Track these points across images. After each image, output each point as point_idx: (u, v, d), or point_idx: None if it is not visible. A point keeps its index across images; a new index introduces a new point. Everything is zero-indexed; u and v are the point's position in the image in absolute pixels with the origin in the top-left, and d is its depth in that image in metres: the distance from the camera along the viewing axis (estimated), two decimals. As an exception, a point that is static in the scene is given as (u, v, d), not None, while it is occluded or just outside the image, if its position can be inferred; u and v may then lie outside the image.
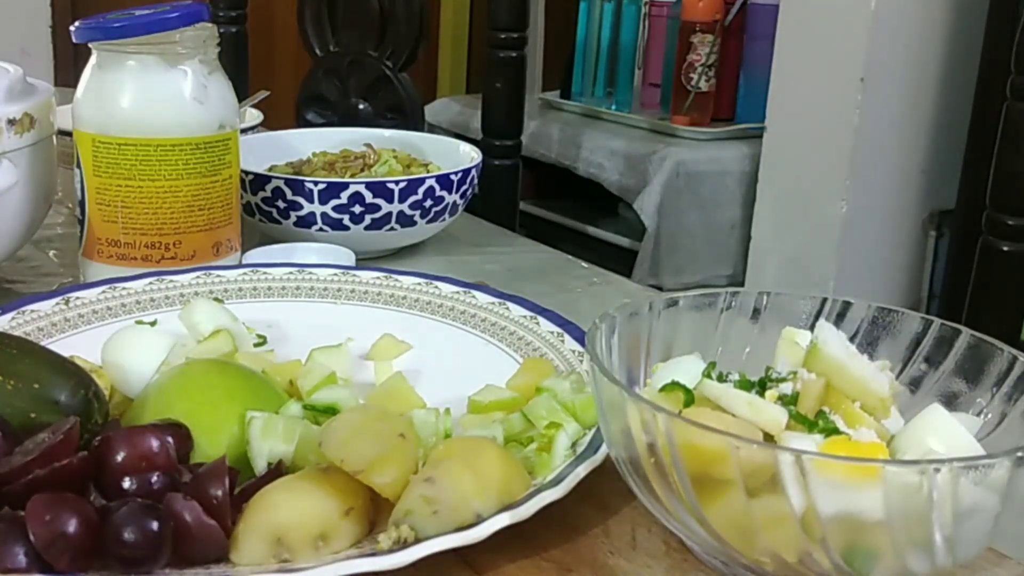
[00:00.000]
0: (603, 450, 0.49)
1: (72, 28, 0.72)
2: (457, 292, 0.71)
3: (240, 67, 1.65)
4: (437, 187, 0.87)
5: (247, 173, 0.85)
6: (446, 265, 0.88)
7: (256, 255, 0.80)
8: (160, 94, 0.72)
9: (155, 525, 0.41)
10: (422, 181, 0.86)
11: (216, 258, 0.76)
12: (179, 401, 0.51)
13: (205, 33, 0.73)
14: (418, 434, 0.50)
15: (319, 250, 0.82)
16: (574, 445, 0.51)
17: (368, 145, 0.97)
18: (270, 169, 0.94)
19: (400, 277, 0.73)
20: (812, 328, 0.50)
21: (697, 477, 0.41)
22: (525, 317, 0.67)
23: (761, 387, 0.47)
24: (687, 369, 0.49)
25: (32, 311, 0.66)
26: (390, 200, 0.85)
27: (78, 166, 0.74)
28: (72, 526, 0.41)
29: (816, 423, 0.45)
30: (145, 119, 0.71)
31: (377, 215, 0.85)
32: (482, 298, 0.70)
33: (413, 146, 1.01)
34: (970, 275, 1.22)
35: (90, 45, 0.73)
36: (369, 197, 0.84)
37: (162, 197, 0.72)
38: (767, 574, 0.43)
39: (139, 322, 0.64)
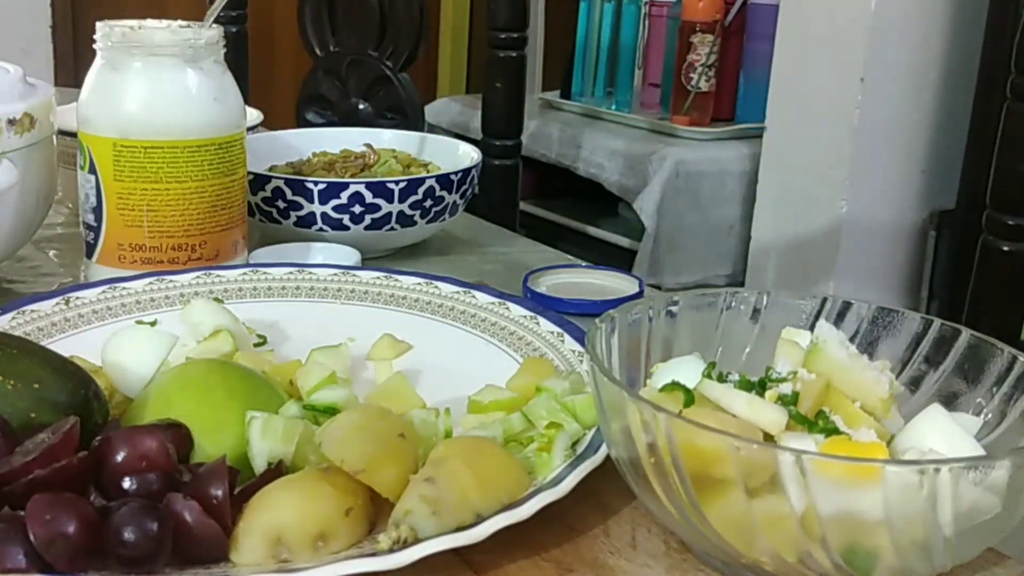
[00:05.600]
0: (603, 450, 0.49)
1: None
2: (457, 292, 0.71)
3: (240, 67, 1.66)
4: (437, 187, 0.87)
5: (247, 173, 0.85)
6: (446, 265, 0.88)
7: (262, 255, 0.81)
8: (184, 95, 0.72)
9: (155, 525, 0.41)
10: (422, 181, 0.86)
11: (235, 256, 0.77)
12: (179, 401, 0.51)
13: (218, 34, 0.74)
14: (418, 434, 0.50)
15: (324, 249, 0.83)
16: (574, 445, 0.51)
17: (368, 145, 0.97)
18: (270, 169, 0.94)
19: (400, 277, 0.73)
20: (812, 328, 0.50)
21: (697, 477, 0.41)
22: (525, 317, 0.67)
23: (761, 387, 0.47)
24: (687, 369, 0.49)
25: (32, 311, 0.66)
26: (390, 200, 0.85)
27: (92, 171, 0.73)
28: (72, 526, 0.41)
29: (816, 423, 0.45)
30: (173, 121, 0.72)
31: (377, 215, 0.85)
32: (482, 298, 0.70)
33: (413, 146, 1.01)
34: (970, 275, 1.22)
35: (95, 47, 0.73)
36: (369, 197, 0.84)
37: (188, 198, 0.73)
38: (767, 574, 0.43)
39: (139, 322, 0.64)
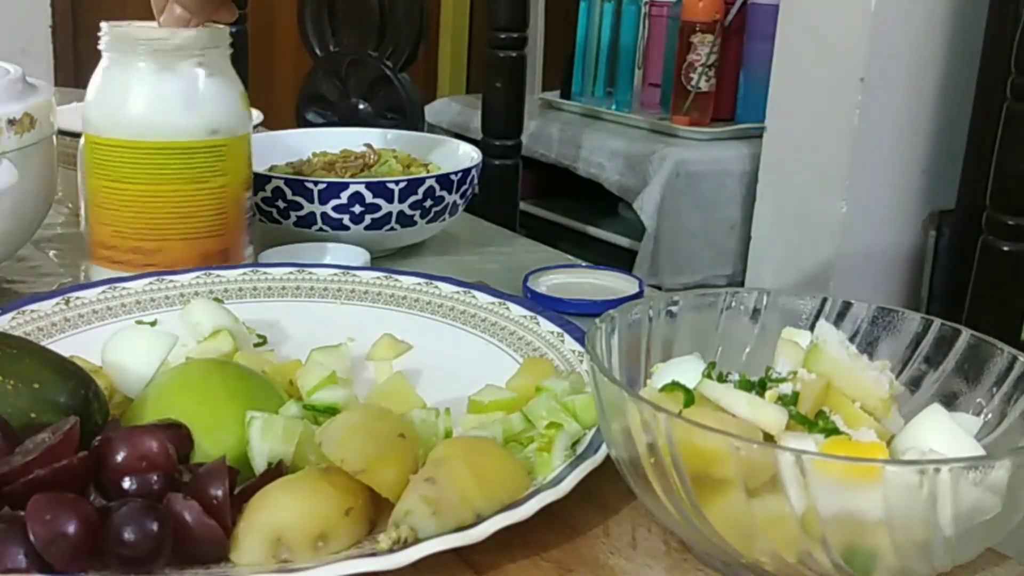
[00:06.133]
0: (603, 450, 0.49)
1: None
2: (457, 292, 0.71)
3: (240, 67, 1.65)
4: (437, 187, 0.87)
5: (247, 173, 0.85)
6: (446, 265, 0.88)
7: (271, 255, 0.81)
8: (148, 96, 0.71)
9: (155, 525, 0.41)
10: (422, 181, 0.86)
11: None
12: (179, 401, 0.51)
13: (204, 35, 0.73)
14: (418, 434, 0.50)
15: (335, 250, 0.83)
16: (574, 445, 0.51)
17: (368, 145, 0.97)
18: (270, 169, 0.94)
19: (400, 277, 0.73)
20: (812, 328, 0.50)
21: (697, 477, 0.41)
22: (525, 317, 0.67)
23: (761, 387, 0.47)
24: (687, 369, 0.49)
25: (32, 311, 0.66)
26: (390, 200, 0.85)
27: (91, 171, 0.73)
28: (72, 526, 0.41)
29: (816, 423, 0.45)
30: (131, 120, 0.71)
31: (377, 215, 0.85)
32: (482, 298, 0.70)
33: (413, 146, 1.01)
34: (970, 275, 1.22)
35: (100, 47, 0.73)
36: (369, 197, 0.84)
37: (143, 201, 0.72)
38: (767, 574, 0.43)
39: (139, 322, 0.64)
